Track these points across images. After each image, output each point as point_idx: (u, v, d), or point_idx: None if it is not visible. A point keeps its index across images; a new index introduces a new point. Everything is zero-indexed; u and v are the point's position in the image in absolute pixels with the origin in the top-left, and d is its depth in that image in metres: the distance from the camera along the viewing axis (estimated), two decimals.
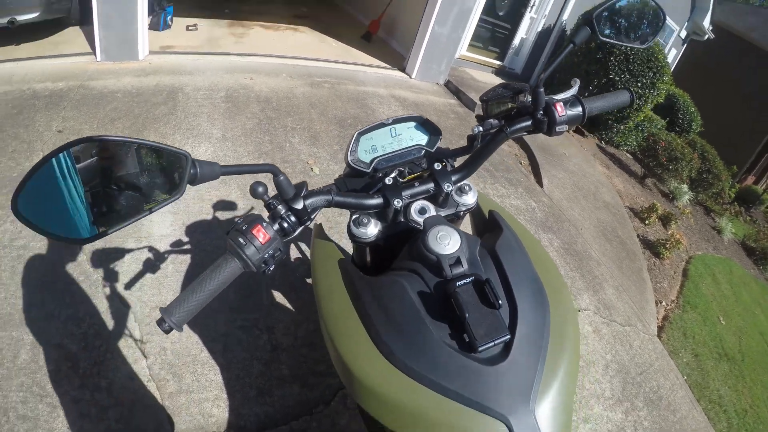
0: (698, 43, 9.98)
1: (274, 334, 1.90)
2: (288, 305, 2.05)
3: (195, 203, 2.39)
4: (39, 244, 1.99)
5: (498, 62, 6.98)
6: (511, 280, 0.75)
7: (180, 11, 4.75)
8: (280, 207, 0.74)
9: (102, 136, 0.60)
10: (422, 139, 0.99)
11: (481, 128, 0.94)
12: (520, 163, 4.43)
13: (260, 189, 0.69)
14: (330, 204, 0.80)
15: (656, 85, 5.57)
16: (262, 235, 0.68)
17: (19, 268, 1.88)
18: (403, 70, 5.57)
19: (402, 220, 0.88)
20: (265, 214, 0.74)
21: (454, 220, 0.93)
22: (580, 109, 0.93)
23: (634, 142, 6.59)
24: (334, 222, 2.58)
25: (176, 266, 2.05)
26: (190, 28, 4.61)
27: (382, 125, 0.96)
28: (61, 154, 0.58)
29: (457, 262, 0.73)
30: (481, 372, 0.65)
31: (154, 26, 4.26)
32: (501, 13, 6.49)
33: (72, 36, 3.94)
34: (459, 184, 0.92)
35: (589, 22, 0.95)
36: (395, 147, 0.97)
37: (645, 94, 5.61)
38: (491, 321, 0.67)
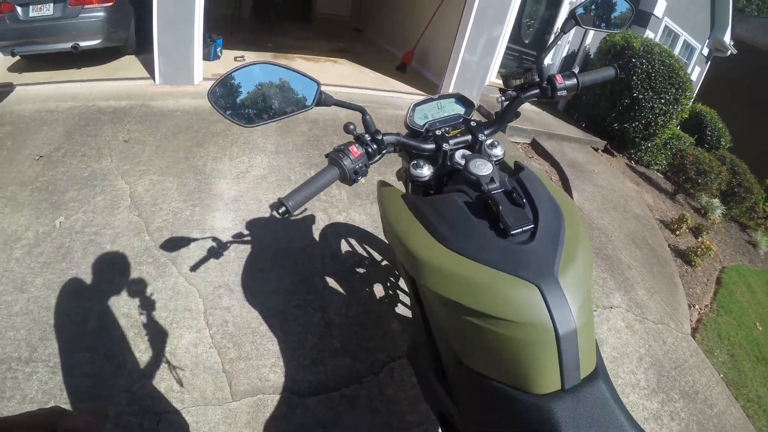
0: (722, 60, 10.01)
1: (327, 313, 2.07)
2: (340, 289, 2.22)
3: (253, 203, 2.62)
4: (109, 231, 2.23)
5: None
6: (533, 195, 0.97)
7: (228, 45, 5.19)
8: (366, 136, 0.98)
9: (268, 61, 0.92)
10: (460, 109, 1.26)
11: (503, 97, 1.22)
12: (551, 179, 4.56)
13: (351, 126, 0.96)
14: (398, 143, 1.05)
15: (680, 100, 5.65)
16: (354, 152, 0.93)
17: (90, 250, 2.11)
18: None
19: (448, 163, 1.12)
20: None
21: None
22: (575, 80, 1.21)
23: (664, 161, 6.61)
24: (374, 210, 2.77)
25: (237, 254, 2.26)
26: (237, 59, 5.03)
27: (431, 99, 1.24)
28: (239, 71, 0.91)
29: (491, 180, 0.96)
30: (515, 250, 0.85)
31: (205, 57, 4.66)
32: (527, 41, 6.76)
33: (129, 63, 4.38)
34: (490, 140, 1.16)
35: (573, 15, 1.24)
36: (441, 115, 1.23)
37: (669, 111, 5.69)
38: (519, 215, 0.89)
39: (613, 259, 3.41)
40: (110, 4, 3.93)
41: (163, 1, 3.64)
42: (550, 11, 6.75)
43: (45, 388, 1.57)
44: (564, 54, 7.03)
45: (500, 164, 1.17)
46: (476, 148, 1.14)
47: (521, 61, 6.92)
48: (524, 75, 1.24)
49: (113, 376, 1.64)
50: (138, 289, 1.98)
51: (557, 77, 1.19)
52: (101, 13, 3.86)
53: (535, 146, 5.22)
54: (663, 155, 6.58)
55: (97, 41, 3.89)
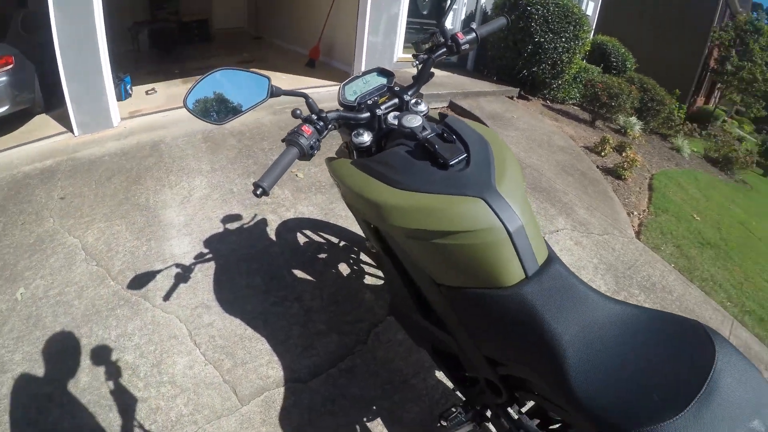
0: None
1: (303, 302, 2.19)
2: (308, 277, 2.34)
3: (205, 223, 2.67)
4: (73, 288, 2.21)
5: None
6: (460, 132, 1.16)
7: (136, 80, 5.08)
8: (313, 116, 1.16)
9: (227, 67, 1.14)
10: (383, 80, 1.44)
11: (417, 62, 1.42)
12: None
13: (298, 111, 1.14)
14: (339, 117, 1.23)
15: (579, 36, 6.08)
16: (306, 130, 1.10)
17: (60, 311, 2.09)
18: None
19: (383, 126, 1.31)
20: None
21: None
22: (473, 34, 1.42)
23: (577, 94, 7.07)
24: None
25: (204, 272, 2.31)
26: (149, 92, 4.94)
27: (357, 77, 1.42)
28: (204, 79, 1.16)
29: (423, 128, 1.15)
30: (457, 176, 1.04)
31: (116, 97, 4.56)
32: (425, 12, 7.00)
33: (42, 122, 4.20)
34: (414, 99, 1.35)
35: None
36: (368, 88, 1.41)
37: (572, 47, 6.11)
38: (452, 149, 1.09)
39: (549, 189, 3.69)
40: (10, 66, 3.77)
41: (66, 51, 3.54)
42: None
43: None
44: (462, 17, 7.33)
45: (426, 117, 1.34)
46: (404, 108, 1.32)
47: (423, 32, 7.16)
48: (431, 39, 1.44)
49: (120, 424, 1.66)
50: (119, 332, 2.00)
51: (458, 34, 1.40)
52: (3, 78, 3.69)
53: (453, 107, 5.45)
54: (575, 89, 7.03)
55: (4, 108, 3.72)
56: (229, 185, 3.09)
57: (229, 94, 1.16)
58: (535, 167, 4.09)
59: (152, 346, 1.96)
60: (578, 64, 6.70)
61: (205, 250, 2.46)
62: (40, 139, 3.75)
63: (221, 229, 2.63)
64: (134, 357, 1.90)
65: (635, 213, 3.92)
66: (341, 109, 1.31)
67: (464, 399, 1.45)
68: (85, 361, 1.87)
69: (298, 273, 2.36)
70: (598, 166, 4.58)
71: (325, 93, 5.45)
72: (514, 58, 6.34)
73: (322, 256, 2.54)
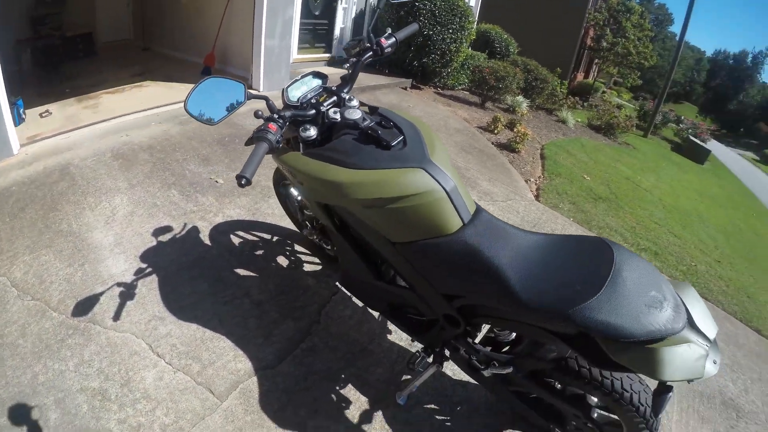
0: None
1: (252, 297, 2.36)
2: (251, 274, 2.51)
3: (136, 239, 2.67)
4: (14, 328, 2.09)
5: (327, 55, 7.65)
6: (393, 120, 1.46)
7: (26, 103, 4.67)
8: (274, 115, 1.37)
9: (213, 76, 1.39)
10: (319, 81, 1.68)
11: (348, 64, 1.70)
12: None
13: (259, 112, 1.35)
14: (293, 115, 1.45)
15: (465, 26, 6.68)
16: (272, 127, 1.30)
17: (6, 354, 1.95)
18: (250, 87, 6.01)
19: (326, 120, 1.54)
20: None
21: None
22: (393, 38, 1.77)
23: (466, 80, 7.74)
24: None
25: (147, 286, 2.35)
26: (43, 115, 4.57)
27: (296, 80, 1.62)
28: (198, 87, 1.44)
29: (363, 119, 1.43)
30: (399, 154, 1.35)
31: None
32: (317, 13, 7.19)
33: None
34: (348, 96, 1.60)
35: None
36: (307, 89, 1.62)
37: (458, 37, 6.70)
38: (391, 133, 1.39)
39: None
40: None
41: None
42: None
43: None
44: (353, 15, 7.64)
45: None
46: (341, 104, 1.57)
47: (315, 33, 7.37)
48: (359, 44, 1.72)
49: None
50: (76, 361, 1.95)
51: (382, 40, 1.70)
52: None
53: None
54: (463, 75, 7.69)
55: None
56: (151, 199, 3.08)
57: (216, 98, 1.41)
58: None
59: (115, 367, 1.94)
60: (465, 52, 7.33)
61: (143, 265, 2.49)
62: None
63: (154, 243, 2.67)
64: (100, 382, 1.87)
65: (532, 180, 4.54)
66: (291, 108, 1.52)
67: (423, 346, 1.75)
68: (48, 398, 1.80)
69: (241, 271, 2.51)
70: (493, 143, 5.16)
71: None
72: (404, 51, 6.79)
73: (260, 252, 2.70)
